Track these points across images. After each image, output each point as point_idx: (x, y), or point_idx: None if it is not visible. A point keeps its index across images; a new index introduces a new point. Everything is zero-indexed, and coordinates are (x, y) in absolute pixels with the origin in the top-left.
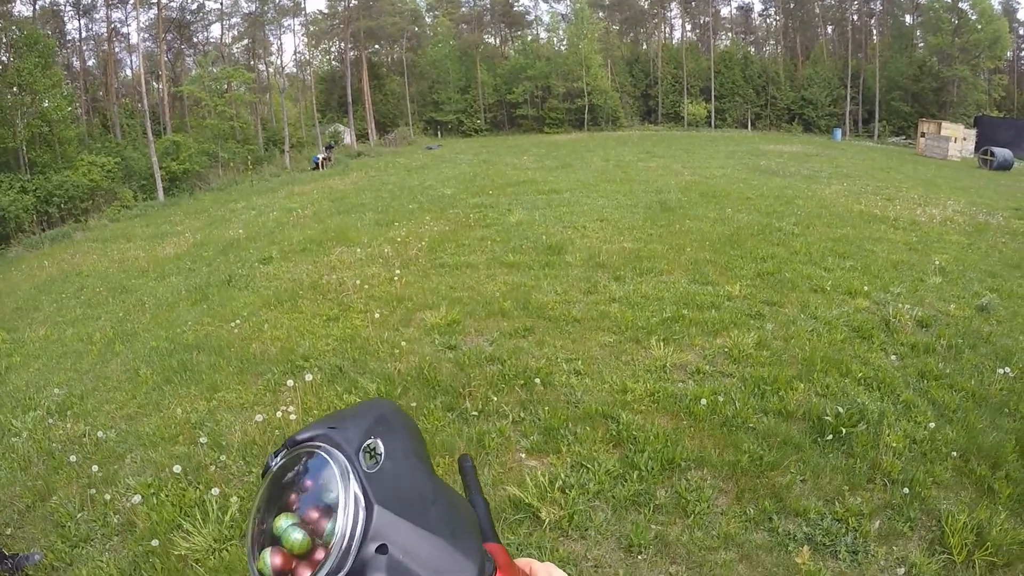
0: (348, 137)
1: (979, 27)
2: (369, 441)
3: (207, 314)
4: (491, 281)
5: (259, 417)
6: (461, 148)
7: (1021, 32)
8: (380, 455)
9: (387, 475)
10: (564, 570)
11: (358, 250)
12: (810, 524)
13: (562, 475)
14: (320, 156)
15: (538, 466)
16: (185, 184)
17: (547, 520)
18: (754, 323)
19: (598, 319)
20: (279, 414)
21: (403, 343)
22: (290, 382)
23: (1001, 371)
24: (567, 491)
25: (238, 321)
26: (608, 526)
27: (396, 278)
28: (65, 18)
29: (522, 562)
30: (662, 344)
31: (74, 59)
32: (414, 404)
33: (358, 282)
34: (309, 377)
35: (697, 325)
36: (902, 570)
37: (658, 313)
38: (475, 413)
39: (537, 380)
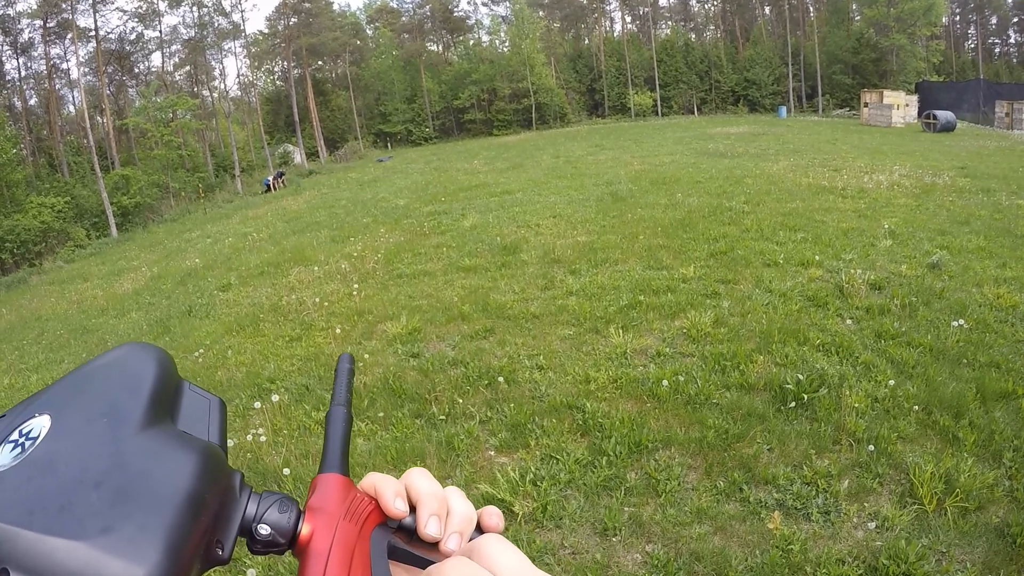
0: (298, 156)
1: None
2: (25, 424)
3: (170, 346)
4: (449, 287)
5: (230, 443)
6: (412, 158)
7: None
8: (34, 439)
9: (27, 468)
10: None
11: (316, 268)
12: (780, 490)
13: (532, 468)
14: (271, 178)
15: (508, 462)
16: (138, 218)
17: (521, 513)
18: (710, 302)
19: (557, 313)
20: (249, 437)
21: (366, 356)
22: (257, 404)
23: (956, 324)
24: (538, 483)
25: (201, 350)
26: (581, 513)
27: (355, 293)
28: (3, 58)
29: (368, 483)
30: (621, 331)
31: (15, 99)
32: (381, 414)
33: (318, 300)
34: (276, 398)
35: (654, 310)
36: (874, 524)
37: (615, 302)
38: (442, 417)
39: (501, 379)
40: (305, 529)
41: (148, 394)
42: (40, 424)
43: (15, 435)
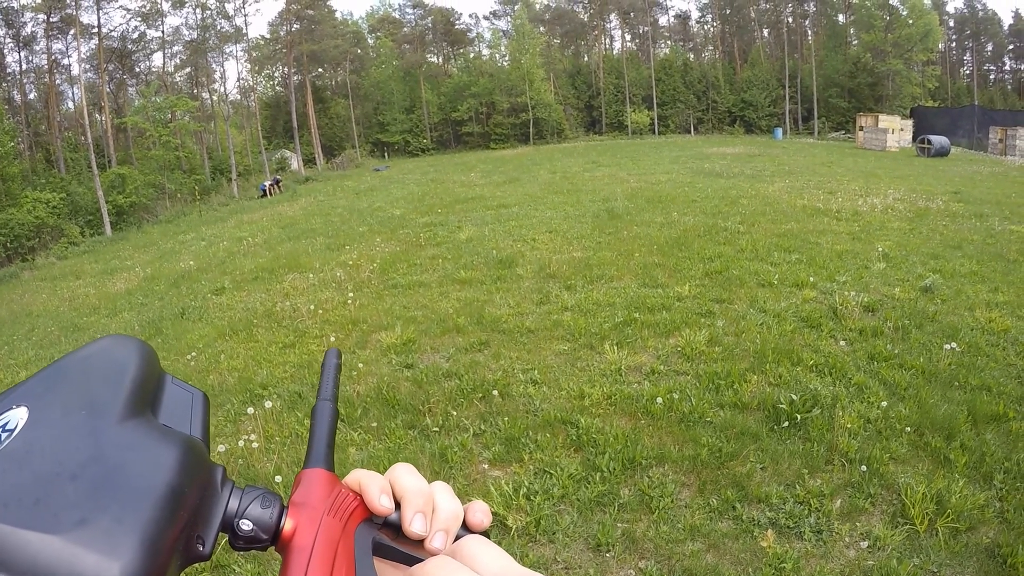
0: (295, 162)
1: (910, 22)
2: (1, 416)
3: (162, 348)
4: (444, 298)
5: (221, 448)
6: (409, 168)
7: (951, 24)
8: (11, 431)
9: (3, 461)
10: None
11: (310, 275)
12: (773, 509)
13: (526, 482)
14: (267, 183)
15: (502, 475)
16: (132, 217)
17: (514, 527)
18: (705, 321)
19: (552, 328)
20: (241, 443)
21: (360, 365)
22: (250, 410)
23: (948, 347)
24: (532, 497)
25: (194, 354)
26: (575, 528)
27: (350, 301)
28: (4, 51)
29: (353, 479)
30: (616, 348)
31: (15, 92)
32: (375, 424)
33: (312, 307)
34: (269, 404)
35: (649, 327)
36: (866, 544)
37: (610, 318)
38: (436, 429)
39: (495, 392)
40: (288, 524)
41: (128, 386)
42: (17, 416)
43: None
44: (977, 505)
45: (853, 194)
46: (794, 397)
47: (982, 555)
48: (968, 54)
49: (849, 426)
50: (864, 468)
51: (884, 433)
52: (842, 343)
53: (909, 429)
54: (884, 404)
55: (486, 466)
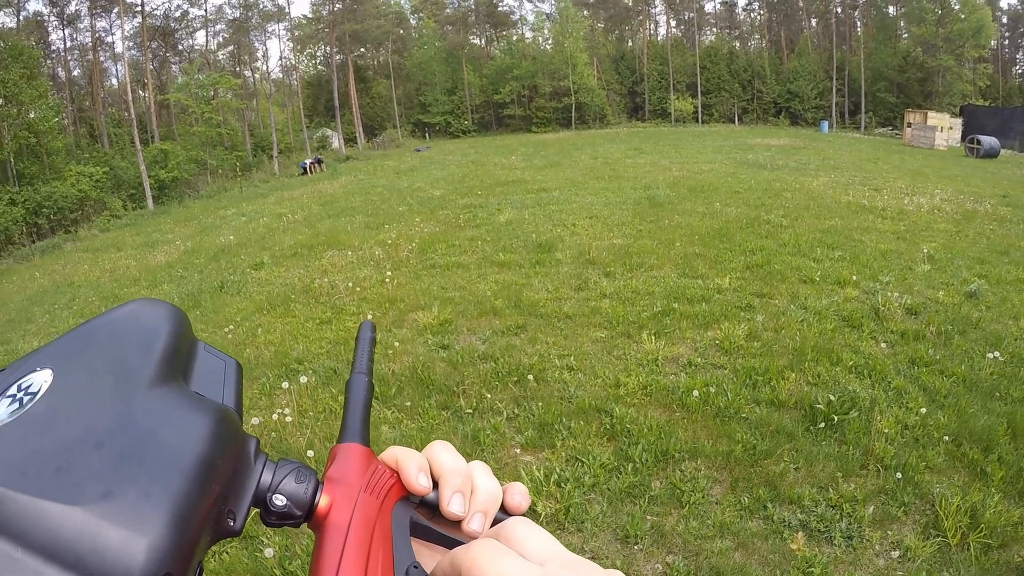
0: (336, 141)
1: (962, 17)
2: (24, 379)
3: (200, 320)
4: (482, 280)
5: (255, 420)
6: (449, 149)
7: (1004, 21)
8: (34, 395)
9: (24, 425)
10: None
11: (349, 253)
12: (804, 511)
13: (557, 469)
14: (308, 161)
15: (533, 461)
16: (174, 192)
17: (543, 514)
18: (744, 315)
19: (589, 315)
20: (275, 416)
21: (396, 344)
22: (285, 384)
23: (991, 356)
24: (563, 485)
25: (231, 327)
26: (604, 518)
27: (388, 280)
28: (49, 28)
29: (390, 455)
30: (653, 338)
31: (59, 69)
32: (409, 403)
33: (350, 285)
34: (304, 379)
35: (688, 318)
36: (896, 553)
37: (649, 307)
38: (469, 411)
39: (530, 377)
40: (323, 501)
41: (159, 351)
42: (41, 379)
43: (13, 390)
44: (1011, 522)
45: (899, 192)
46: (832, 398)
47: (1013, 574)
48: (1021, 52)
49: (886, 431)
50: (899, 475)
51: (921, 441)
52: (883, 345)
53: (947, 438)
54: (923, 411)
55: (518, 450)
